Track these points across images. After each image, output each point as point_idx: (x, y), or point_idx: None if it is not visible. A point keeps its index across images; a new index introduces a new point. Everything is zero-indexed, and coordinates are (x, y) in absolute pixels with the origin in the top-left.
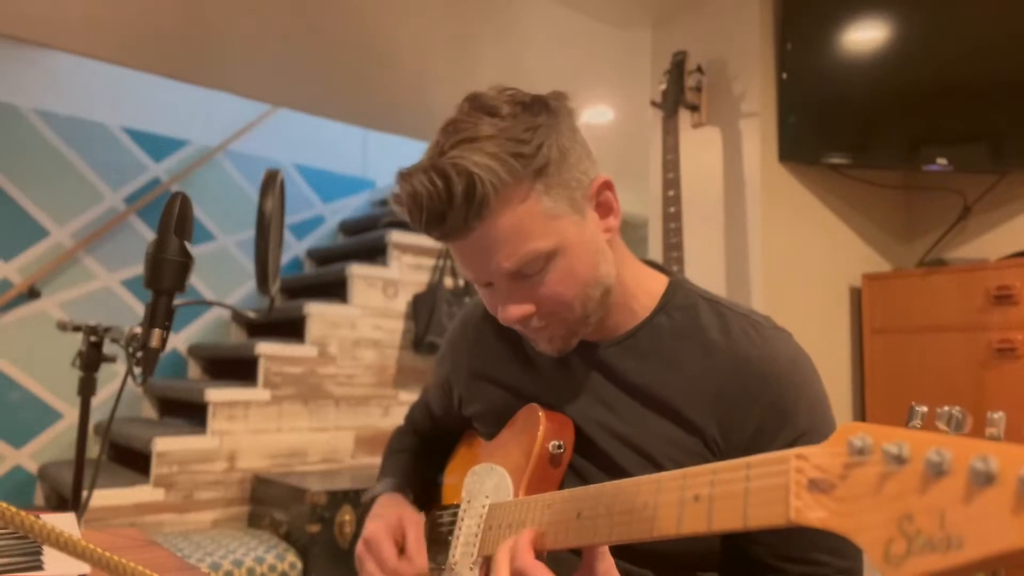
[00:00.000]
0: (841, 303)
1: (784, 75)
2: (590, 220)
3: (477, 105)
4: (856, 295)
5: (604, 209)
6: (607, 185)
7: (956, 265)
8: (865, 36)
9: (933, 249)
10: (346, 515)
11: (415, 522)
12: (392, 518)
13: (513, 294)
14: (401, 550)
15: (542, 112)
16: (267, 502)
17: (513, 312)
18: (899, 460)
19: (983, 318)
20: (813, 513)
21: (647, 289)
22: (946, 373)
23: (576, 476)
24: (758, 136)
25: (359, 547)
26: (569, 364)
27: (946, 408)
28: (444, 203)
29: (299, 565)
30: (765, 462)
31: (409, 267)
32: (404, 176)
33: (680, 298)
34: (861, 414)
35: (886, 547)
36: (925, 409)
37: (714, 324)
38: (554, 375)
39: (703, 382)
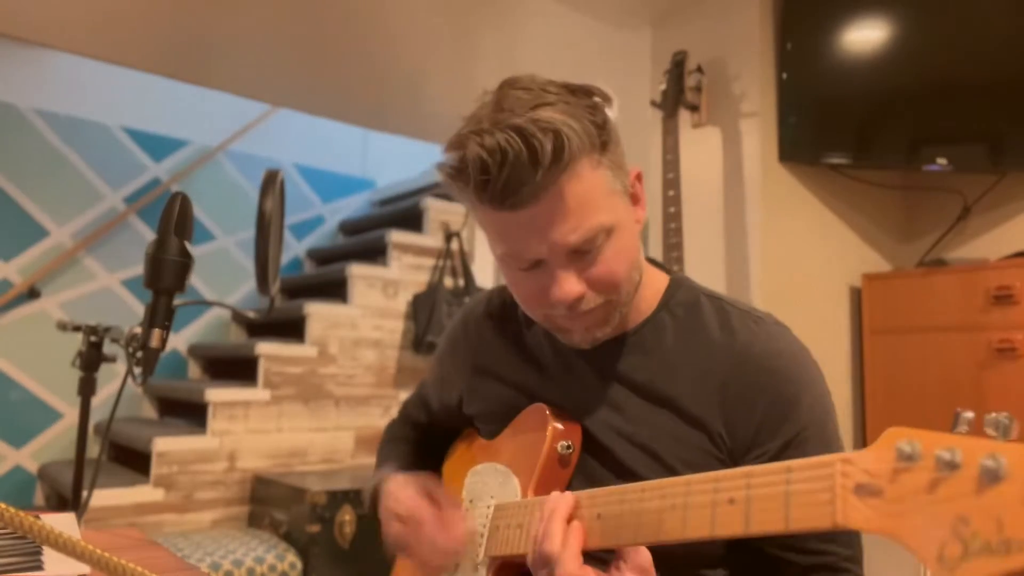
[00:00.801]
0: (841, 303)
1: (784, 75)
2: (630, 207)
3: (522, 85)
4: (856, 295)
5: (635, 199)
6: (639, 177)
7: (956, 265)
8: (865, 36)
9: (933, 249)
10: (346, 515)
11: (435, 481)
12: (413, 488)
13: (568, 272)
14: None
15: (593, 94)
16: (267, 502)
17: (572, 289)
18: (951, 466)
19: (983, 318)
20: (860, 516)
21: (651, 287)
22: (946, 373)
23: (582, 475)
24: (758, 136)
25: (394, 528)
26: (573, 362)
27: (993, 414)
28: (528, 165)
29: (299, 565)
30: (807, 466)
31: (409, 267)
32: (472, 137)
33: (682, 295)
34: (861, 414)
35: (940, 550)
36: (972, 415)
37: (716, 320)
38: (558, 373)
39: (706, 378)
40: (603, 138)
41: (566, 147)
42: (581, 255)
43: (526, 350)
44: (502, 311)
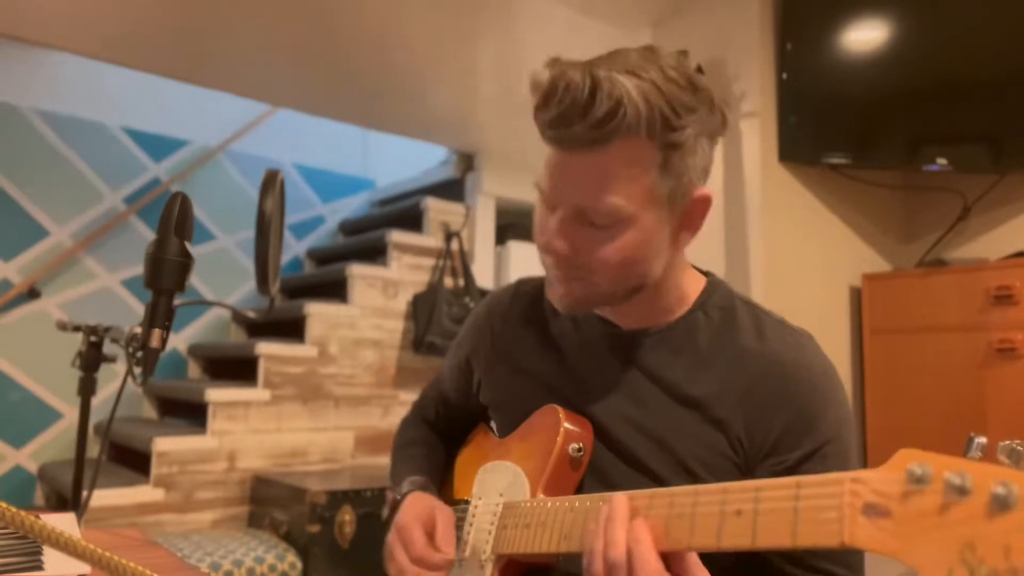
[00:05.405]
0: (841, 303)
1: (784, 75)
2: (671, 222)
3: (652, 56)
4: (856, 295)
5: (688, 220)
6: (705, 201)
7: (956, 265)
8: (865, 36)
9: (933, 249)
10: (346, 515)
11: (445, 513)
12: (423, 509)
13: (564, 226)
14: (431, 539)
15: (703, 107)
16: (267, 502)
17: (556, 242)
18: (961, 491)
19: (983, 318)
20: (867, 535)
21: (687, 287)
22: (946, 373)
23: (596, 470)
24: (758, 136)
25: (390, 537)
26: (598, 352)
27: (1007, 442)
28: (580, 110)
29: (299, 565)
30: (817, 483)
31: (409, 267)
32: (558, 63)
33: (718, 298)
34: (861, 414)
35: (947, 574)
36: (985, 440)
37: (750, 326)
38: (580, 362)
39: (734, 380)
40: (673, 140)
41: (617, 117)
42: (585, 224)
43: (549, 339)
44: (528, 301)
